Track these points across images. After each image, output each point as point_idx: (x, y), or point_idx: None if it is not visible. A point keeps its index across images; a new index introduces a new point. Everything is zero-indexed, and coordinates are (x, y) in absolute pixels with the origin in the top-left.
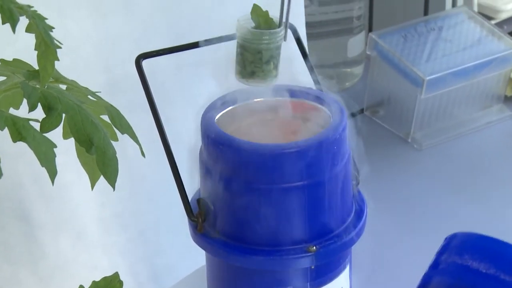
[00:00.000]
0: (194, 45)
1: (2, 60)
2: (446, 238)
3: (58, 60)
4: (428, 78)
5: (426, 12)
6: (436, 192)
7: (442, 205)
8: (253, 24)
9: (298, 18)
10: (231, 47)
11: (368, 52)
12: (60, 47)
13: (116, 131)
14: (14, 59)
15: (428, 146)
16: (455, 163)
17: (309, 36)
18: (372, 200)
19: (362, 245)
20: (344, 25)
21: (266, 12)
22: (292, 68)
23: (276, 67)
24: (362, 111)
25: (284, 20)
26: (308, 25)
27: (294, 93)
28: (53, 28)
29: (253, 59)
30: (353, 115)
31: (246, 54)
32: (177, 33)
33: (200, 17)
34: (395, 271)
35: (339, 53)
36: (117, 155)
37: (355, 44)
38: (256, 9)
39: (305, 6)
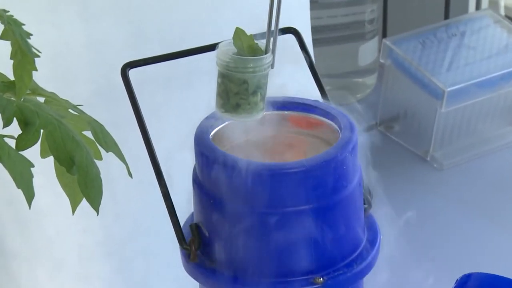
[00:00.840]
0: (187, 53)
1: None
2: (458, 279)
3: (36, 70)
4: (449, 89)
5: (446, 16)
6: (458, 217)
7: (464, 231)
8: (235, 50)
9: (302, 21)
10: None
11: (381, 60)
12: (39, 56)
13: (100, 148)
14: None
15: (449, 166)
16: (479, 185)
17: (316, 42)
18: (386, 226)
19: (375, 275)
20: (355, 30)
21: (250, 36)
22: (296, 78)
23: (263, 98)
24: (375, 126)
25: (271, 45)
26: (314, 29)
27: (298, 106)
28: (31, 34)
29: (238, 90)
30: (365, 130)
31: (230, 84)
32: (168, 40)
33: (193, 22)
34: None
35: (349, 61)
36: (101, 175)
37: (367, 51)
38: (239, 33)
39: (311, 9)
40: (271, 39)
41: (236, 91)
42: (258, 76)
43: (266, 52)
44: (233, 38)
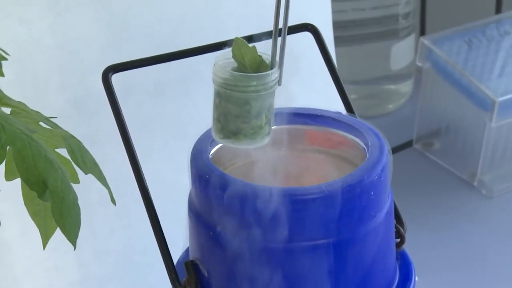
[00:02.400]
0: (180, 55)
1: None
2: None
3: (3, 75)
4: (500, 99)
5: (498, 10)
6: (510, 252)
7: None
8: (235, 65)
9: (322, 16)
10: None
11: (419, 63)
12: (6, 59)
13: (78, 169)
14: None
15: (500, 193)
16: None
17: (338, 40)
18: (423, 265)
19: None
20: (387, 26)
21: (254, 48)
22: (314, 85)
23: (268, 121)
24: (410, 143)
25: (278, 58)
26: (337, 25)
27: (316, 119)
28: None
29: (239, 113)
30: (398, 149)
31: (229, 106)
32: (158, 39)
33: (187, 17)
34: None
35: (379, 64)
36: (78, 202)
37: (402, 52)
38: (239, 44)
39: (333, 0)
40: (278, 49)
41: (236, 113)
42: (263, 96)
43: (272, 67)
44: (233, 50)
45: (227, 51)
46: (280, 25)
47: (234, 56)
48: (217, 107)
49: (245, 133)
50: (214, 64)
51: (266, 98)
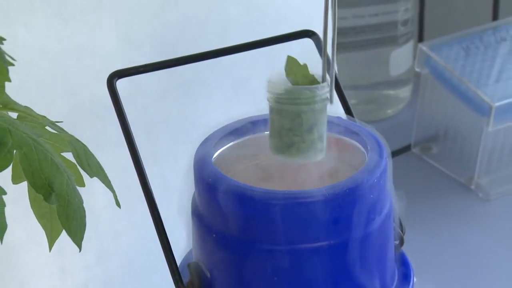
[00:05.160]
0: (185, 61)
1: None
2: None
3: (10, 80)
4: (497, 104)
5: (495, 16)
6: (508, 256)
7: None
8: (288, 83)
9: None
10: (232, 63)
11: (417, 69)
12: (13, 64)
13: (83, 173)
14: None
15: (497, 196)
16: None
17: (338, 46)
18: (421, 266)
19: None
20: (386, 33)
21: (305, 66)
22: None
23: (321, 138)
24: (409, 148)
25: (328, 74)
26: (338, 32)
27: None
28: (4, 39)
29: (291, 126)
30: (397, 153)
31: (282, 120)
32: (163, 45)
33: (192, 23)
34: None
35: (378, 70)
36: (84, 205)
37: (400, 58)
38: (291, 64)
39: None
40: (326, 66)
41: (289, 127)
42: (314, 110)
43: (323, 81)
44: (285, 69)
45: (279, 71)
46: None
47: (286, 74)
48: (272, 123)
49: (298, 146)
50: (268, 82)
51: (317, 112)
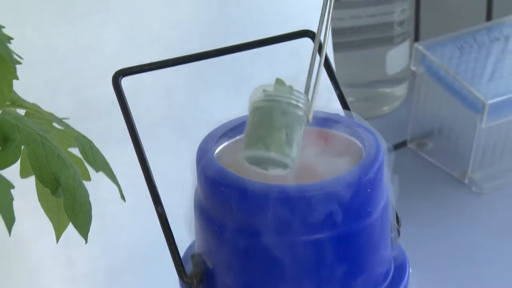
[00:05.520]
0: (188, 59)
1: None
2: None
3: (17, 78)
4: (490, 101)
5: (489, 17)
6: (500, 249)
7: (507, 265)
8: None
9: (321, 22)
10: (233, 62)
11: (413, 68)
12: (20, 63)
13: (89, 168)
14: None
15: (490, 190)
16: None
17: (337, 46)
18: (416, 258)
19: None
20: (383, 33)
21: (290, 87)
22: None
23: (290, 144)
24: (405, 143)
25: (311, 90)
26: (336, 32)
27: (315, 120)
28: (12, 38)
29: (261, 123)
30: (393, 148)
31: (254, 118)
32: (167, 44)
33: (195, 23)
34: None
35: (375, 69)
36: (90, 198)
37: (396, 57)
38: (278, 83)
39: (332, 8)
40: (311, 83)
41: (259, 123)
42: (286, 112)
43: (305, 92)
44: (274, 88)
45: (265, 86)
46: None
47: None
48: (246, 126)
49: (264, 142)
50: (250, 96)
51: (289, 115)
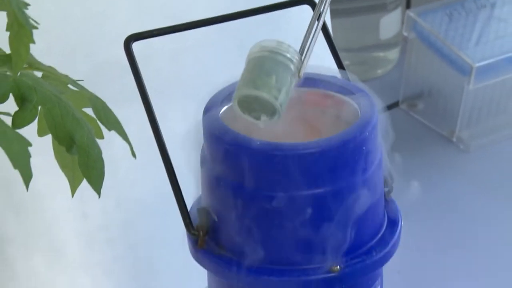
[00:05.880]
0: (196, 25)
1: None
2: None
3: (34, 42)
4: (477, 65)
5: None
6: (485, 202)
7: (491, 217)
8: None
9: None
10: (241, 27)
11: (405, 33)
12: (37, 28)
13: (102, 127)
14: None
15: (476, 148)
16: (508, 168)
17: (334, 13)
18: (408, 210)
19: (395, 263)
20: (376, 0)
21: (286, 44)
22: (313, 52)
23: (279, 88)
24: (397, 104)
25: (307, 47)
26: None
27: (314, 82)
28: (28, 5)
29: (253, 69)
30: (386, 109)
31: (248, 67)
32: (175, 10)
33: None
34: None
35: (369, 34)
36: (103, 155)
37: (389, 23)
38: (277, 42)
39: None
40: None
41: (250, 70)
42: (277, 61)
43: (301, 52)
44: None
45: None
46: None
47: None
48: (241, 74)
49: (254, 82)
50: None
51: (279, 64)
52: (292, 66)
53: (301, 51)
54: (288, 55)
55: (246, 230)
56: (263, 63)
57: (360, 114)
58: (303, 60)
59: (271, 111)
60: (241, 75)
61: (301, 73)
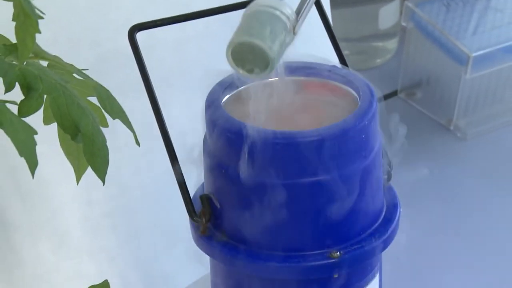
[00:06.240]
0: (198, 15)
1: None
2: None
3: (40, 32)
4: (474, 54)
5: None
6: (481, 189)
7: (488, 204)
8: None
9: None
10: (238, 18)
11: (403, 23)
12: (42, 18)
13: (106, 115)
14: None
15: (473, 136)
16: (504, 155)
17: (334, 3)
18: (406, 197)
19: (394, 250)
20: None
21: (284, 2)
22: (313, 42)
23: (273, 39)
24: (396, 93)
25: (305, 6)
26: None
27: (315, 71)
28: None
29: (249, 21)
30: (385, 97)
31: (244, 19)
32: (179, 1)
33: None
34: (433, 279)
35: (369, 24)
36: (107, 143)
37: (388, 14)
38: None
39: None
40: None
41: (247, 22)
42: (273, 15)
43: (297, 14)
44: None
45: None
46: None
47: None
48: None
49: (249, 30)
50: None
51: (275, 19)
52: (288, 23)
53: (298, 11)
54: (284, 11)
55: (247, 217)
56: (259, 16)
57: (360, 103)
58: (299, 19)
59: (265, 63)
60: (236, 28)
61: (296, 30)
